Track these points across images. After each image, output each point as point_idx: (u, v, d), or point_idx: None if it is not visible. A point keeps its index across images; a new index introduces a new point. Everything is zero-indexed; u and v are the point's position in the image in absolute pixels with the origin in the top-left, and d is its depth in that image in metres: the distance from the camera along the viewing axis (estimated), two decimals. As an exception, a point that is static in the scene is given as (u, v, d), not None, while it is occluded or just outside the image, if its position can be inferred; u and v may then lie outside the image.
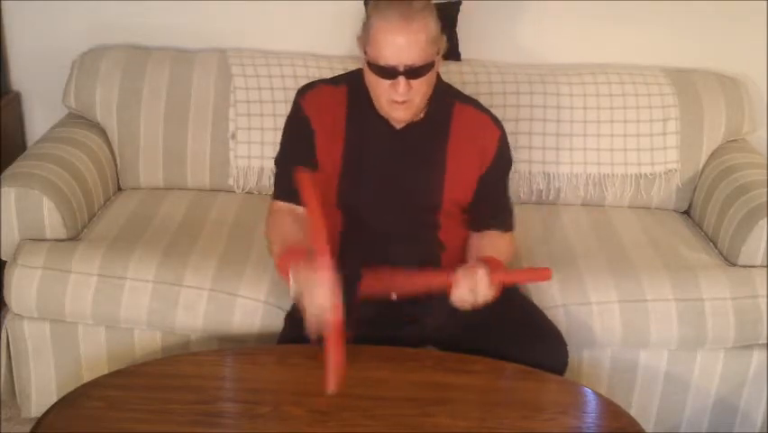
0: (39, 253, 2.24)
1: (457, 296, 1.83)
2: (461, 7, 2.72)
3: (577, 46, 2.84)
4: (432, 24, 1.84)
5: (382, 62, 1.82)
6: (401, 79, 1.82)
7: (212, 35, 2.82)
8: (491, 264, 1.87)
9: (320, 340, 1.69)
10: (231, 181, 2.68)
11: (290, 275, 1.78)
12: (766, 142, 2.89)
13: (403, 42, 1.80)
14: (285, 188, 2.02)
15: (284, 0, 2.79)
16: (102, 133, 2.66)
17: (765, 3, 2.77)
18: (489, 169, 2.01)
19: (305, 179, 1.79)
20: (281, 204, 2.04)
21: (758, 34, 2.82)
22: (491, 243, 2.02)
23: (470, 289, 1.82)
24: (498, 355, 1.90)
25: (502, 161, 2.05)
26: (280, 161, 2.09)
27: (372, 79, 1.87)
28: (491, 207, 2.07)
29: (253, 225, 2.44)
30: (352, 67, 2.58)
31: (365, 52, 1.87)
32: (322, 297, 1.69)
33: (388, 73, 1.83)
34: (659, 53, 2.83)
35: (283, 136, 2.10)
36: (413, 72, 1.82)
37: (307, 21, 2.82)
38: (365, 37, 1.86)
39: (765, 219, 2.31)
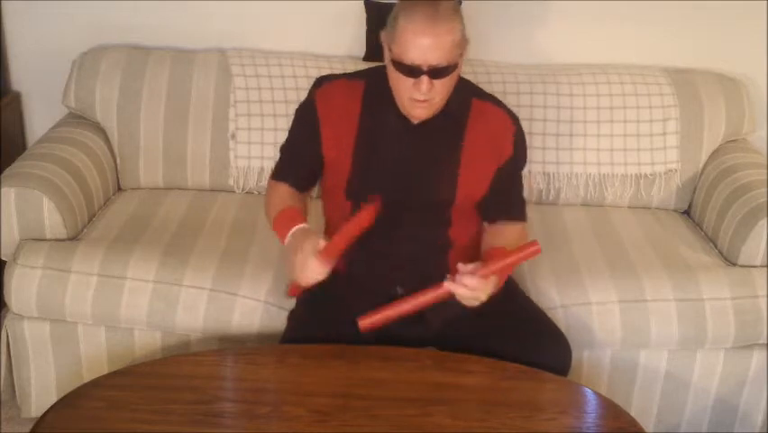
0: (39, 253, 2.24)
1: (463, 301, 1.84)
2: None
3: (577, 46, 2.83)
4: (458, 27, 1.85)
5: (407, 61, 1.83)
6: (424, 78, 1.83)
7: (212, 35, 2.82)
8: (486, 257, 1.89)
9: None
10: (231, 181, 2.68)
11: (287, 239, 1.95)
12: (766, 143, 2.90)
13: (429, 44, 1.80)
14: (283, 172, 2.11)
15: (284, 0, 2.80)
16: (102, 133, 2.66)
17: (765, 3, 2.77)
18: (504, 164, 2.02)
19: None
20: (278, 183, 2.12)
21: (758, 34, 2.82)
22: (502, 234, 2.03)
23: (466, 291, 1.82)
24: (500, 357, 1.90)
25: (518, 158, 2.06)
26: (284, 146, 2.13)
27: (395, 77, 1.88)
28: (504, 198, 2.08)
29: (253, 225, 2.44)
30: (351, 67, 2.60)
31: (390, 49, 1.88)
32: (312, 271, 1.85)
33: (412, 72, 1.84)
34: (659, 53, 2.84)
35: (292, 123, 2.12)
36: (437, 72, 1.83)
37: (307, 21, 2.82)
38: (391, 35, 1.87)
39: (765, 219, 2.31)
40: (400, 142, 1.99)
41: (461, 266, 1.83)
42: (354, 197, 2.01)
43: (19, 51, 2.90)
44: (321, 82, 2.06)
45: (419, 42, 1.81)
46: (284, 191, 2.09)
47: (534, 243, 1.81)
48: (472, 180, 2.01)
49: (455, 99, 1.96)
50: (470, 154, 2.00)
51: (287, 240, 1.94)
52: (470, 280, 1.80)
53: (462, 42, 1.87)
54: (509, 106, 2.09)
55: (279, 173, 2.13)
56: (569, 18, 2.81)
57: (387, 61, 1.91)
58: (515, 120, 2.05)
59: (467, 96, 2.02)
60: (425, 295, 1.84)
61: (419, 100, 1.87)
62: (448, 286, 1.82)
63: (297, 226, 1.95)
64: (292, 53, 2.75)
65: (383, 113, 1.98)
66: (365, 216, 1.84)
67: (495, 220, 2.08)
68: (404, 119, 1.97)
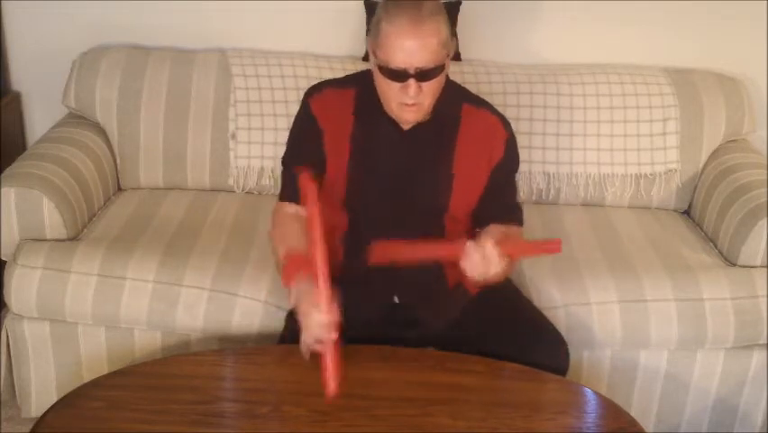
0: (39, 253, 2.24)
1: (468, 265, 1.78)
2: (462, 7, 2.72)
3: (577, 46, 2.84)
4: (443, 27, 1.82)
5: (392, 65, 1.81)
6: (411, 82, 1.81)
7: (212, 35, 2.82)
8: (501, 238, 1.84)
9: (313, 356, 1.78)
10: (231, 181, 2.68)
11: (291, 291, 1.84)
12: (766, 143, 2.90)
13: (413, 46, 1.78)
14: (291, 190, 2.02)
15: (284, 0, 2.80)
16: (102, 133, 2.66)
17: (765, 3, 2.78)
18: (495, 168, 2.00)
19: (307, 182, 1.80)
20: (287, 205, 2.04)
21: (758, 34, 2.82)
22: (502, 228, 1.99)
23: (481, 257, 1.76)
24: (499, 358, 1.89)
25: (509, 162, 2.04)
26: (287, 161, 2.08)
27: (382, 82, 1.86)
28: (498, 204, 2.05)
29: (253, 225, 2.44)
30: (351, 67, 2.60)
31: (374, 55, 1.86)
32: (318, 326, 1.74)
33: (399, 76, 1.82)
34: (659, 53, 2.84)
35: (290, 136, 2.08)
36: (423, 75, 1.81)
37: (307, 21, 2.82)
38: (374, 40, 1.85)
39: (765, 219, 2.32)
40: (393, 149, 1.97)
41: (484, 235, 1.82)
42: (350, 207, 2.01)
43: (19, 51, 2.90)
44: (312, 92, 2.03)
45: (404, 45, 1.78)
46: (295, 225, 1.97)
47: (556, 241, 1.77)
48: (466, 186, 2.00)
49: (446, 104, 1.94)
50: (462, 160, 1.98)
51: (293, 296, 1.86)
52: (489, 250, 1.75)
53: (448, 42, 1.85)
54: (507, 106, 2.08)
55: (289, 194, 2.03)
56: (569, 18, 2.81)
57: (373, 67, 1.88)
58: (506, 125, 2.03)
59: (458, 101, 2.00)
60: (440, 248, 1.85)
61: (408, 104, 1.85)
62: (469, 246, 1.77)
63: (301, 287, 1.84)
64: (292, 53, 2.75)
65: (375, 121, 1.96)
66: (315, 224, 1.77)
67: (489, 224, 2.03)
68: (396, 126, 1.95)
